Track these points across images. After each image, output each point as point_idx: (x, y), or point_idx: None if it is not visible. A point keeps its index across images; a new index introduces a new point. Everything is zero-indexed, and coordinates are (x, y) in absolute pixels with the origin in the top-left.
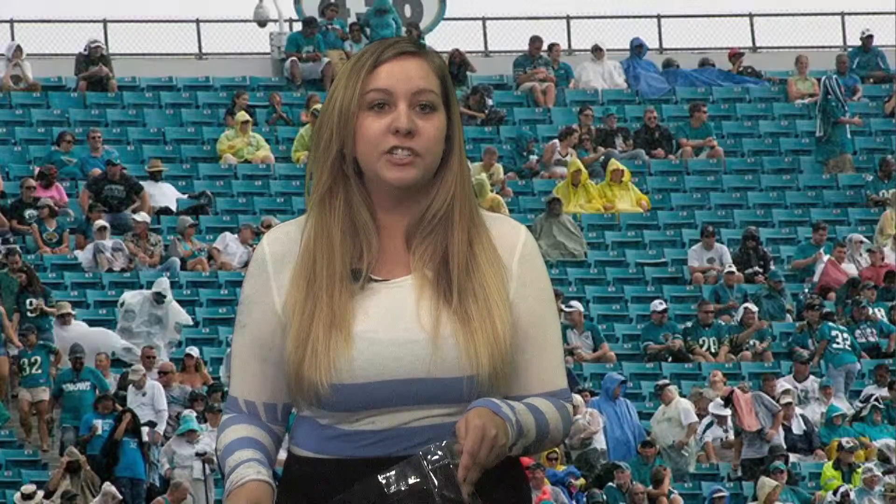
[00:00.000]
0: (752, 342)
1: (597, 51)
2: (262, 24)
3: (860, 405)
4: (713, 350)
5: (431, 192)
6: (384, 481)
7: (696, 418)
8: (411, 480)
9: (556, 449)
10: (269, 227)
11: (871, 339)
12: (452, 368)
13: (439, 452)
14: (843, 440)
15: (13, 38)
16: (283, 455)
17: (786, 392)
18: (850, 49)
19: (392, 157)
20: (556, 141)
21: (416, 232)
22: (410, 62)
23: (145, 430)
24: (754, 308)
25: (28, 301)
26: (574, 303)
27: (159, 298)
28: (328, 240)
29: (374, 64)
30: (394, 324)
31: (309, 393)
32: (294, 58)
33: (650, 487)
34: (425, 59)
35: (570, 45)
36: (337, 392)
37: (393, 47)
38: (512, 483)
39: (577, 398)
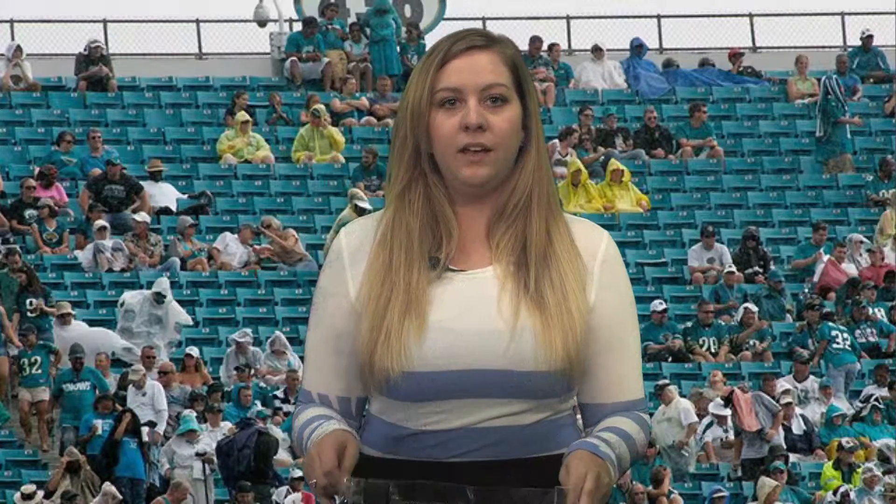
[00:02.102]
0: (752, 342)
1: (597, 51)
2: (262, 24)
3: (860, 405)
4: (713, 350)
5: (510, 182)
6: None
7: (696, 418)
8: None
9: None
10: (268, 226)
11: (871, 339)
12: (527, 361)
13: None
14: (843, 440)
15: (13, 38)
16: None
17: (786, 392)
18: (850, 49)
19: (467, 155)
20: (556, 141)
21: (497, 223)
22: (479, 56)
23: (145, 430)
24: (754, 308)
25: (28, 301)
26: None
27: (159, 298)
28: (406, 230)
29: (443, 61)
30: (470, 314)
31: (380, 379)
32: (294, 58)
33: (650, 487)
34: (495, 51)
35: (570, 45)
36: (407, 379)
37: (461, 42)
38: None
39: None
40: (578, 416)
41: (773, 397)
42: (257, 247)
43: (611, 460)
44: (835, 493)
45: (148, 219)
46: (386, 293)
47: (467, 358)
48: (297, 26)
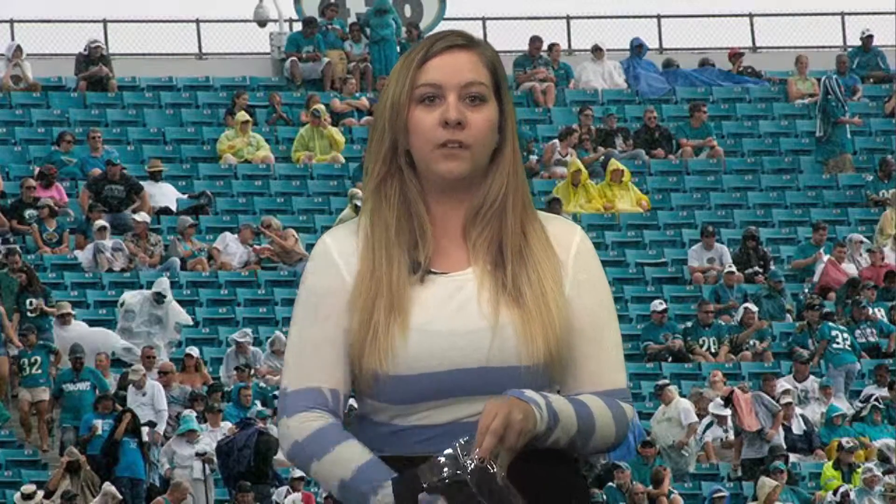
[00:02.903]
0: (752, 342)
1: (597, 51)
2: (262, 24)
3: (860, 405)
4: (713, 350)
5: (485, 183)
6: (420, 473)
7: (696, 418)
8: (448, 472)
9: None
10: (268, 226)
11: (871, 339)
12: (510, 357)
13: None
14: (843, 440)
15: (13, 38)
16: None
17: (786, 392)
18: (850, 49)
19: (444, 150)
20: (556, 141)
21: (473, 224)
22: (460, 55)
23: (145, 430)
24: (754, 308)
25: (28, 301)
26: None
27: (159, 298)
28: (385, 228)
29: (424, 58)
30: (453, 315)
31: (368, 380)
32: (294, 58)
33: (650, 487)
34: (475, 51)
35: (570, 45)
36: (394, 383)
37: (442, 41)
38: (574, 494)
39: None
40: None
41: (773, 397)
42: (257, 247)
43: (536, 405)
44: (835, 493)
45: (148, 219)
46: (374, 290)
47: (452, 358)
48: (297, 26)
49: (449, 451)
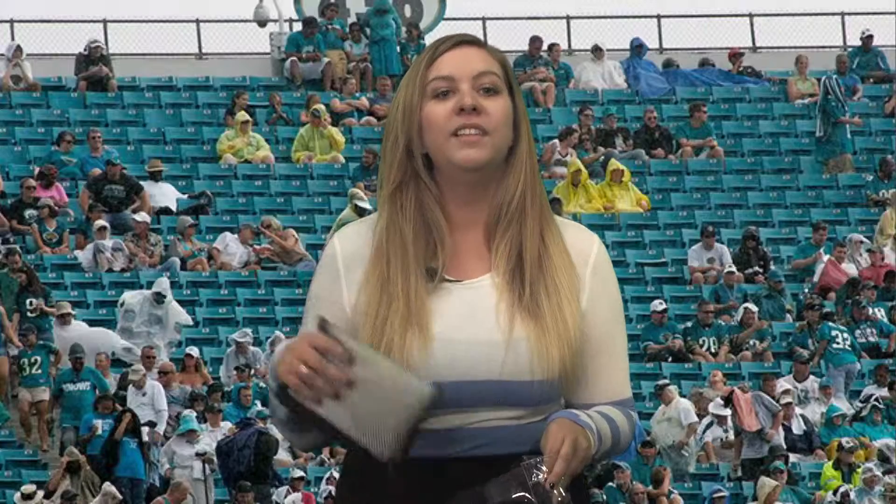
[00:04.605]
0: (752, 342)
1: (597, 51)
2: (262, 24)
3: (860, 405)
4: (713, 350)
5: (503, 182)
6: (487, 492)
7: (696, 418)
8: (514, 494)
9: None
10: (268, 226)
11: (871, 339)
12: (523, 371)
13: (543, 468)
14: (843, 440)
15: (13, 38)
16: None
17: (786, 392)
18: (850, 49)
19: (461, 138)
20: (556, 141)
21: (495, 228)
22: (469, 49)
23: (145, 430)
24: (754, 308)
25: (28, 301)
26: None
27: (159, 298)
28: (401, 238)
29: (433, 57)
30: (470, 325)
31: None
32: (294, 58)
33: (650, 487)
34: (484, 47)
35: (570, 45)
36: None
37: (449, 40)
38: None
39: None
40: None
41: (773, 397)
42: (257, 247)
43: (590, 428)
44: (835, 493)
45: (148, 219)
46: (383, 311)
47: (465, 368)
48: (297, 26)
49: (515, 471)
